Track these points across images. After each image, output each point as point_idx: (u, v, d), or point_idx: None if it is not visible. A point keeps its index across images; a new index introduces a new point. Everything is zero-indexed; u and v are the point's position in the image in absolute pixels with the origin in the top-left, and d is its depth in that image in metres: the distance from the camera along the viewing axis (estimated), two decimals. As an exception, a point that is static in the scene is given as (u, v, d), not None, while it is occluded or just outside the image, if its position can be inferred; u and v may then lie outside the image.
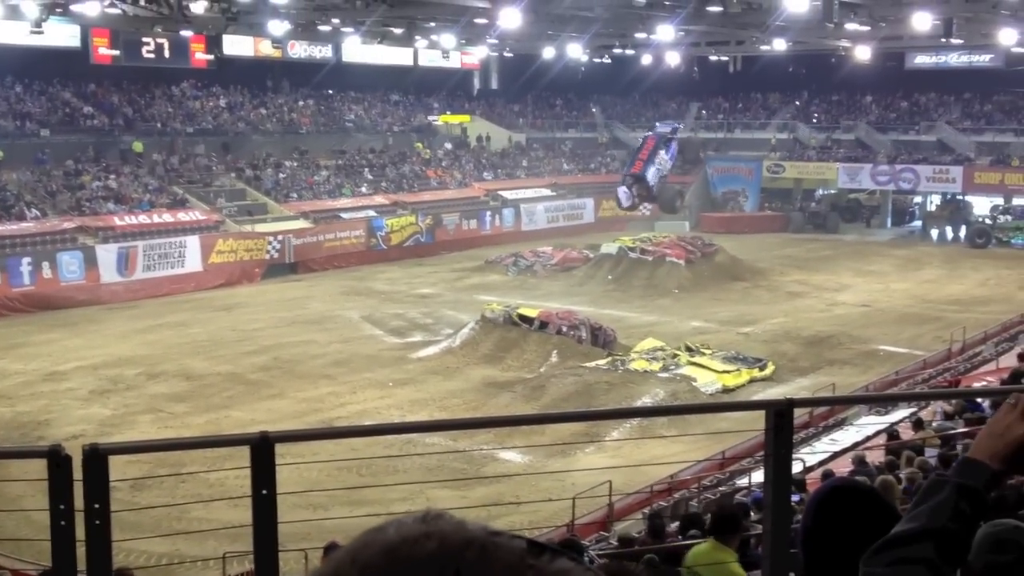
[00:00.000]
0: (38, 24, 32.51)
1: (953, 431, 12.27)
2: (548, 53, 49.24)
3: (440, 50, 47.78)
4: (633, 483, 15.42)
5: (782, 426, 3.76)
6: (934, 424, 13.55)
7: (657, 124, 42.25)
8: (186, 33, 39.28)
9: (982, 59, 49.45)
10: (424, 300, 33.85)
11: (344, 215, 42.40)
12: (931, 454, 11.50)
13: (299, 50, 47.89)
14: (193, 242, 36.33)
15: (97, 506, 2.95)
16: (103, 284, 33.68)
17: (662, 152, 37.15)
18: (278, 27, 37.39)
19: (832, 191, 50.94)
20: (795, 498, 6.85)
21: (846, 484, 2.31)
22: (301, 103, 51.31)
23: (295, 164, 45.51)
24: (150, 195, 38.74)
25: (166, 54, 42.44)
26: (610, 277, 36.60)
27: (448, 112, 56.18)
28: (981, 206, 46.23)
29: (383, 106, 54.74)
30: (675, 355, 24.64)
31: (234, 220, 39.25)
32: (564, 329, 26.66)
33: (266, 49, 45.89)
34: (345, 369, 24.98)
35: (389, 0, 31.21)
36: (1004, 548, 1.84)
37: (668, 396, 21.97)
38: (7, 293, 31.63)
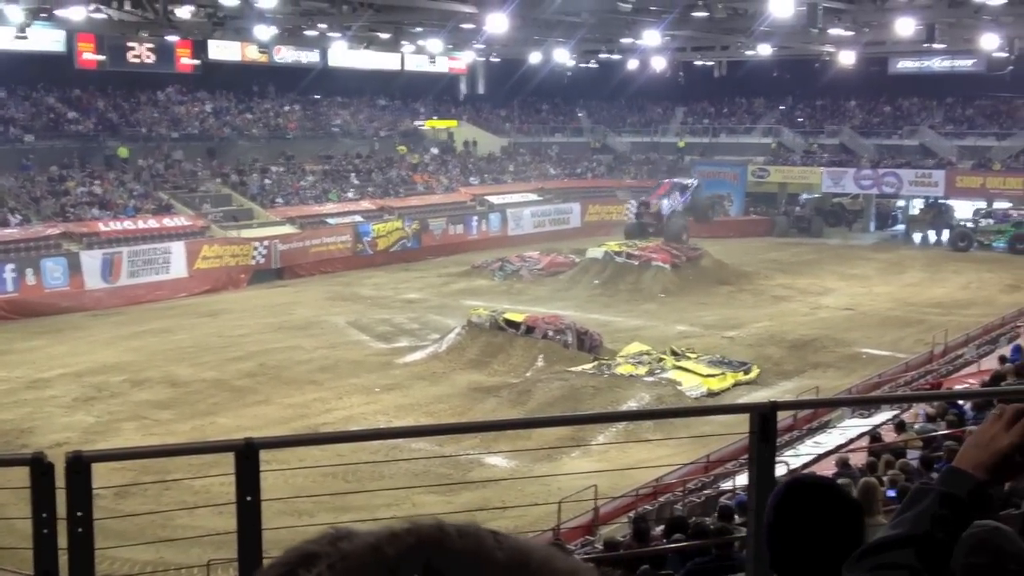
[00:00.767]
0: (22, 29, 32.45)
1: (935, 433, 12.37)
2: (535, 58, 49.36)
3: (427, 55, 47.77)
4: (619, 487, 15.48)
5: (766, 429, 3.81)
6: (916, 426, 13.66)
7: (677, 178, 47.24)
8: (172, 38, 39.20)
9: (964, 64, 49.77)
10: (410, 305, 33.85)
11: (330, 220, 42.36)
12: (913, 456, 11.60)
13: (285, 55, 47.85)
14: (178, 248, 36.23)
15: (80, 514, 2.97)
16: (87, 290, 33.54)
17: (677, 194, 43.05)
18: (264, 32, 37.36)
19: (816, 195, 51.20)
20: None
21: (805, 479, 2.35)
22: (287, 108, 51.26)
23: (281, 169, 45.45)
24: (135, 201, 38.63)
25: (151, 59, 42.34)
26: (596, 281, 36.68)
27: (435, 117, 56.24)
28: (963, 210, 46.53)
29: (370, 111, 54.74)
30: (661, 359, 24.73)
31: (220, 226, 39.16)
32: (550, 334, 26.71)
33: (252, 54, 45.85)
34: (331, 375, 24.97)
35: (376, 5, 31.27)
36: (981, 550, 1.88)
37: (654, 400, 22.05)
38: (-9, 299, 31.50)
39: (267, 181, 43.92)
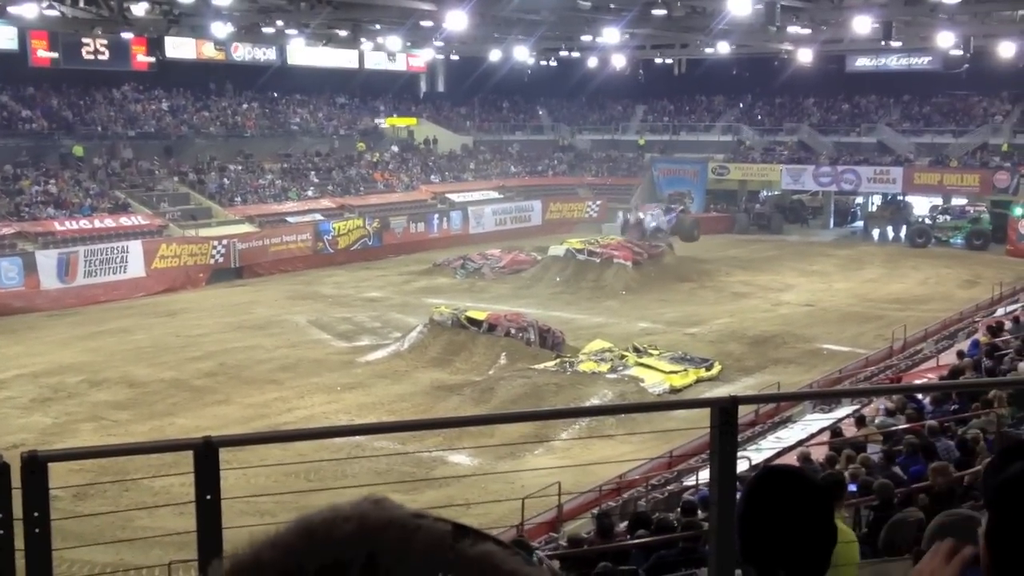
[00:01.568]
0: (-26, 26, 31.87)
1: (895, 427, 12.49)
2: (494, 56, 49.27)
3: (386, 52, 47.61)
4: (582, 484, 15.48)
5: (727, 423, 3.81)
6: (876, 421, 13.79)
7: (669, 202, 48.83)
8: (127, 35, 38.69)
9: (921, 62, 50.45)
10: (372, 304, 33.68)
11: (290, 219, 42.06)
12: (874, 450, 11.71)
13: (243, 52, 47.44)
14: (136, 247, 35.78)
15: (37, 514, 2.90)
16: (43, 290, 33.03)
17: (660, 213, 45.29)
18: (221, 29, 36.94)
19: (776, 192, 51.62)
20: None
21: (776, 468, 2.36)
22: (245, 106, 50.80)
23: (240, 168, 45.04)
24: (91, 200, 38.10)
25: (106, 56, 41.80)
26: (558, 279, 36.73)
27: (395, 115, 56.03)
28: (921, 206, 47.12)
29: (329, 109, 54.41)
30: (623, 356, 24.79)
31: (178, 225, 38.74)
32: (512, 331, 26.68)
33: (209, 51, 45.41)
34: (292, 374, 24.77)
35: (334, 2, 31.04)
36: (946, 535, 1.88)
37: (616, 397, 22.09)
38: (-57, 300, 30.92)
39: (225, 180, 43.50)
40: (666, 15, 32.94)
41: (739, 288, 36.03)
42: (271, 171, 45.59)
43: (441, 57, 54.96)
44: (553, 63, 54.11)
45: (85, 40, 40.22)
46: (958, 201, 46.26)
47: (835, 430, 14.49)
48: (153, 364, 25.52)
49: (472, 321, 27.32)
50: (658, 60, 54.93)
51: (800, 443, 14.58)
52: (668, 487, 14.67)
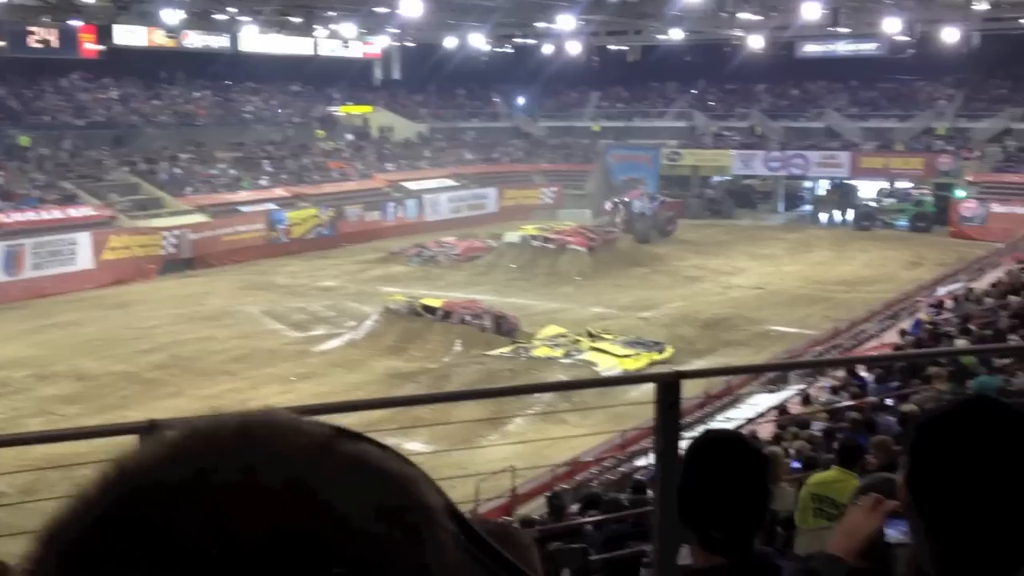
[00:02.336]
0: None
1: (839, 405, 12.79)
2: (450, 43, 49.29)
3: (340, 40, 47.33)
4: (536, 468, 15.66)
5: (671, 398, 3.93)
6: (821, 399, 14.10)
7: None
8: (75, 22, 38.11)
9: (868, 47, 51.05)
10: (326, 293, 33.60)
11: (243, 208, 41.75)
12: (818, 428, 11.99)
13: (194, 40, 46.85)
14: (84, 239, 35.34)
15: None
16: (-10, 283, 32.57)
17: (648, 199, 45.05)
18: (171, 16, 36.61)
19: (727, 177, 52.09)
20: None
21: (717, 433, 2.44)
22: (197, 94, 50.30)
23: (191, 157, 44.61)
24: (38, 191, 37.56)
25: (54, 44, 41.10)
26: (513, 266, 36.86)
27: (349, 103, 55.73)
28: (867, 190, 47.81)
29: (282, 97, 54.02)
30: (577, 341, 25.01)
31: (128, 215, 38.32)
32: (467, 318, 26.80)
33: (159, 39, 44.78)
34: (245, 365, 24.69)
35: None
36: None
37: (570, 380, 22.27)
38: None
39: (176, 169, 43.07)
40: (620, 1, 33.19)
41: (691, 272, 36.43)
42: (223, 160, 45.20)
43: (396, 44, 54.77)
44: (509, 50, 54.14)
45: (32, 28, 39.52)
46: (903, 184, 47.00)
47: (782, 408, 14.79)
48: (103, 357, 25.29)
49: (427, 309, 27.39)
50: (612, 46, 55.20)
51: (748, 421, 14.87)
52: (620, 468, 14.88)
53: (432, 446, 19.10)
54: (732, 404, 18.20)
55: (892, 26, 40.26)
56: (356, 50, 53.14)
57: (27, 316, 30.24)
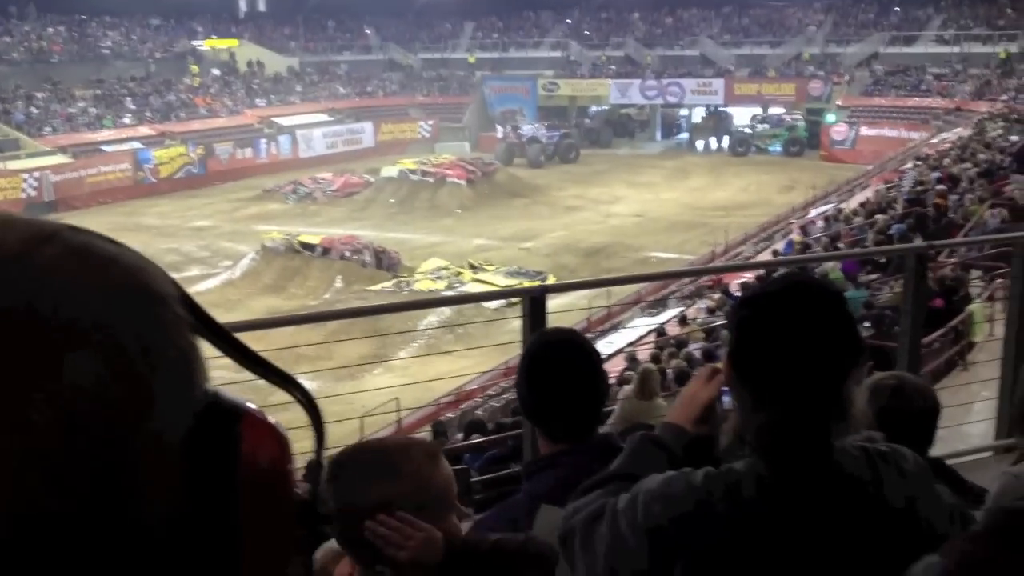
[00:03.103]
0: None
1: (714, 324, 13.01)
2: (316, -28, 47.69)
3: (200, -30, 45.36)
4: (422, 400, 15.57)
5: (536, 312, 3.89)
6: (698, 320, 14.33)
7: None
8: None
9: (738, -26, 51.74)
10: (200, 233, 32.59)
11: (106, 148, 40.02)
12: (695, 347, 12.18)
13: (43, -29, 44.32)
14: (-64, 184, 33.39)
15: None
16: None
17: (542, 127, 46.42)
18: (16, -55, 34.41)
19: (605, 107, 52.27)
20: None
21: (549, 333, 2.43)
22: (51, 30, 47.69)
23: (48, 95, 42.41)
24: None
25: None
26: (392, 200, 36.40)
27: (213, 36, 53.60)
28: (741, 117, 48.66)
29: (142, 31, 51.66)
30: (459, 273, 24.90)
31: (-18, 158, 36.31)
32: (347, 254, 26.38)
33: (5, -29, 42.26)
34: (117, 309, 23.78)
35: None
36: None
37: (454, 314, 22.16)
38: None
39: (33, 108, 40.93)
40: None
41: (571, 202, 36.58)
42: (83, 98, 43.13)
43: (260, -26, 52.90)
44: (378, -20, 52.85)
45: None
46: (776, 110, 48.01)
47: (660, 331, 15.00)
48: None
49: (306, 246, 26.86)
50: (484, -25, 54.48)
51: (629, 345, 15.05)
52: (505, 396, 14.90)
53: (316, 382, 18.82)
54: (613, 329, 18.41)
55: (761, -48, 40.74)
56: (219, -20, 51.13)
57: None
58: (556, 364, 2.16)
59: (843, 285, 13.10)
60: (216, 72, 50.58)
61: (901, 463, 1.59)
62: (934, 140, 33.89)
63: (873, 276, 13.43)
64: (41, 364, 0.51)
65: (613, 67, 53.01)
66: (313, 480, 0.65)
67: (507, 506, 2.29)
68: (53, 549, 0.52)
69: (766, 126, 46.91)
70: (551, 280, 24.97)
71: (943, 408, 2.90)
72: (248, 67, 52.15)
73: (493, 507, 2.59)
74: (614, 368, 12.29)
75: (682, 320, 14.52)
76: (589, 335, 17.97)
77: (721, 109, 49.76)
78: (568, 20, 57.68)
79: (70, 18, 48.60)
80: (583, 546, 1.64)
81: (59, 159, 37.97)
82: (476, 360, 18.09)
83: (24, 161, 36.99)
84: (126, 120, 42.84)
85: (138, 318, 0.55)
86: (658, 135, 52.18)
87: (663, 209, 34.77)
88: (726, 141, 47.91)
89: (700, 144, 49.23)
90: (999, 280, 9.96)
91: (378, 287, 24.43)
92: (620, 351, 14.66)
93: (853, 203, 23.46)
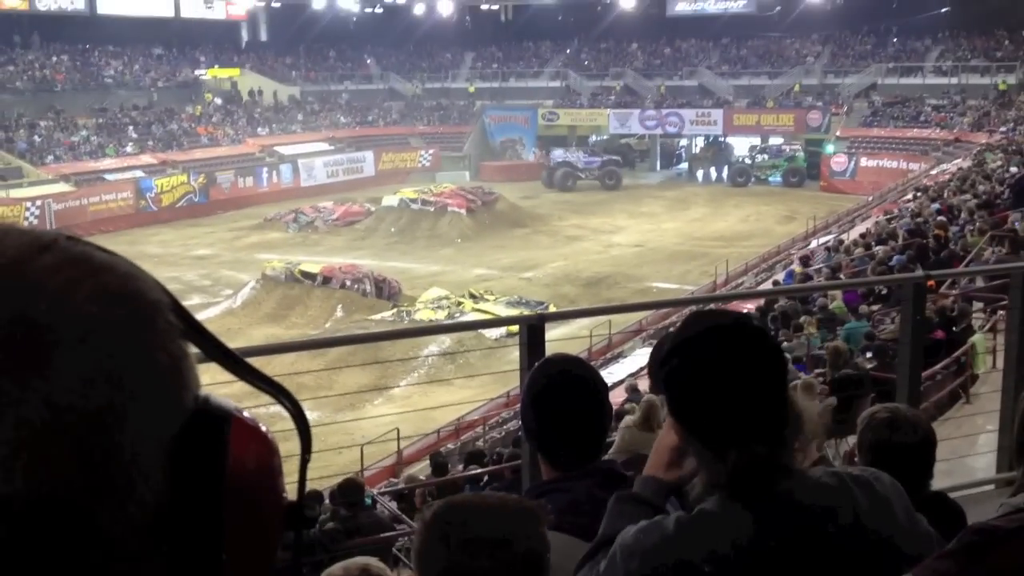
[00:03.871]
0: None
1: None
2: (318, 3, 48.18)
3: (202, 0, 45.68)
4: (422, 430, 15.55)
5: (535, 339, 3.91)
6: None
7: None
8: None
9: (736, 5, 52.13)
10: (201, 262, 32.64)
11: (109, 176, 40.14)
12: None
13: (48, 2, 44.73)
14: (-62, 212, 33.48)
15: None
16: None
17: (583, 155, 47.46)
18: (21, -24, 34.71)
19: (604, 137, 52.48)
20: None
21: (554, 358, 2.44)
22: (54, 59, 47.96)
23: (51, 124, 42.60)
24: None
25: None
26: (393, 229, 36.47)
27: (216, 66, 53.94)
28: (741, 147, 48.86)
29: (145, 60, 51.93)
30: (460, 303, 24.90)
31: (-16, 186, 36.42)
32: (348, 283, 26.40)
33: (11, 1, 42.58)
34: (117, 338, 23.77)
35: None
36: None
37: (454, 343, 22.16)
38: None
39: (36, 137, 41.10)
40: (490, -40, 32.88)
41: (572, 232, 36.65)
42: (86, 127, 43.31)
43: (262, 4, 53.31)
44: (379, 10, 53.27)
45: None
46: (775, 141, 48.20)
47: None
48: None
49: (306, 274, 26.88)
50: (484, 6, 54.97)
51: (630, 376, 15.03)
52: (506, 426, 14.87)
53: (316, 412, 18.79)
54: (614, 360, 18.40)
55: (760, -16, 41.01)
56: (219, 11, 51.54)
57: None
58: (561, 390, 2.18)
59: (844, 316, 13.13)
60: (218, 101, 50.84)
61: (875, 485, 1.60)
62: (934, 171, 34.02)
63: (875, 307, 13.45)
64: (34, 366, 0.53)
65: (612, 97, 53.28)
66: (301, 489, 0.68)
67: None
68: (38, 544, 0.54)
69: (765, 156, 47.08)
70: (552, 310, 25.01)
71: (948, 441, 2.91)
72: (249, 96, 52.42)
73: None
74: (615, 399, 12.28)
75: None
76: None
77: (720, 139, 49.97)
78: (567, 50, 58.04)
79: (73, 47, 48.90)
80: None
81: (61, 187, 38.09)
82: (476, 390, 18.08)
83: (26, 189, 37.10)
84: (128, 149, 43.01)
85: (131, 324, 0.57)
86: (657, 165, 52.35)
87: (663, 239, 34.84)
88: (726, 171, 48.05)
89: (700, 174, 49.38)
90: (1000, 312, 9.97)
91: (378, 316, 24.43)
92: (621, 382, 14.65)
93: (854, 234, 23.53)
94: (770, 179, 46.04)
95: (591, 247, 33.90)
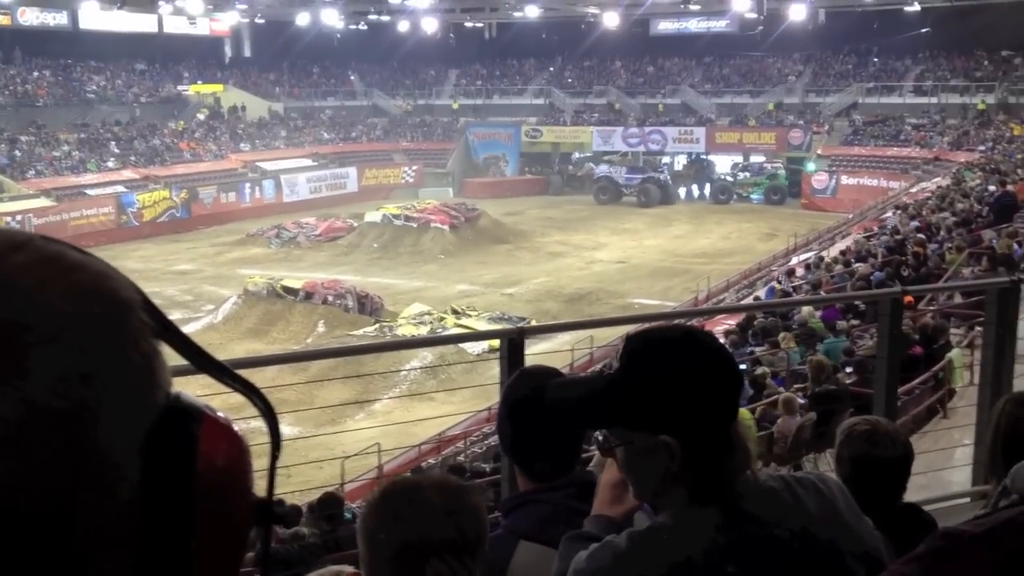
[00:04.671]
0: None
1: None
2: (302, 19, 48.20)
3: (186, 16, 45.69)
4: (404, 444, 15.51)
5: (515, 353, 3.91)
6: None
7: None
8: None
9: (719, 25, 52.49)
10: (183, 277, 32.53)
11: (90, 191, 39.99)
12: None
13: (31, 17, 44.61)
14: (-83, 226, 33.21)
15: None
16: None
17: (625, 171, 47.44)
18: (4, -9, 34.64)
19: (588, 154, 52.67)
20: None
21: (528, 369, 2.45)
22: (36, 74, 47.84)
23: (32, 139, 42.43)
24: None
25: None
26: (376, 245, 36.45)
27: (199, 81, 53.90)
28: (723, 164, 49.13)
29: (127, 76, 51.86)
30: (442, 319, 24.88)
31: (-36, 201, 36.23)
32: (330, 299, 26.36)
33: (-7, 16, 42.48)
34: (97, 353, 23.63)
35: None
36: None
37: (436, 359, 22.15)
38: None
39: (17, 151, 40.93)
40: (474, -23, 33.04)
41: (555, 248, 36.72)
42: (67, 142, 43.17)
43: (246, 20, 53.31)
44: (363, 27, 53.36)
45: None
46: (756, 159, 48.49)
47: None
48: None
49: (288, 290, 26.82)
50: (469, 24, 55.09)
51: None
52: (487, 441, 14.85)
53: (297, 427, 18.73)
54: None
55: (742, 3, 41.35)
56: (203, 27, 51.54)
57: None
58: (537, 401, 2.13)
59: (823, 333, 13.21)
60: (201, 117, 50.77)
61: (820, 487, 1.60)
62: (913, 189, 34.28)
63: (854, 323, 13.53)
64: (10, 363, 0.54)
65: (595, 114, 53.52)
66: (270, 486, 0.69)
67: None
68: (15, 540, 0.55)
69: (747, 174, 47.37)
70: (533, 325, 25.03)
71: (925, 454, 2.94)
72: (232, 111, 52.39)
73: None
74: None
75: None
76: (572, 381, 17.98)
77: (703, 157, 50.23)
78: (551, 68, 58.30)
79: (56, 62, 48.78)
80: None
81: (42, 202, 37.93)
82: (458, 406, 18.05)
83: (7, 204, 36.91)
84: (110, 164, 42.89)
85: (105, 322, 0.58)
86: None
87: (646, 256, 34.94)
88: (708, 189, 48.29)
89: (682, 191, 49.57)
90: (978, 328, 10.05)
91: (360, 332, 24.37)
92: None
93: (834, 251, 23.66)
94: (752, 197, 46.30)
95: (573, 263, 33.97)
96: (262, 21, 52.44)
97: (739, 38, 52.37)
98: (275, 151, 49.58)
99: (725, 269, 29.85)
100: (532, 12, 44.91)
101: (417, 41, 53.79)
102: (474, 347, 22.93)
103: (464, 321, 24.58)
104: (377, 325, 24.95)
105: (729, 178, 47.62)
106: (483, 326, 24.11)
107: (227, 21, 52.02)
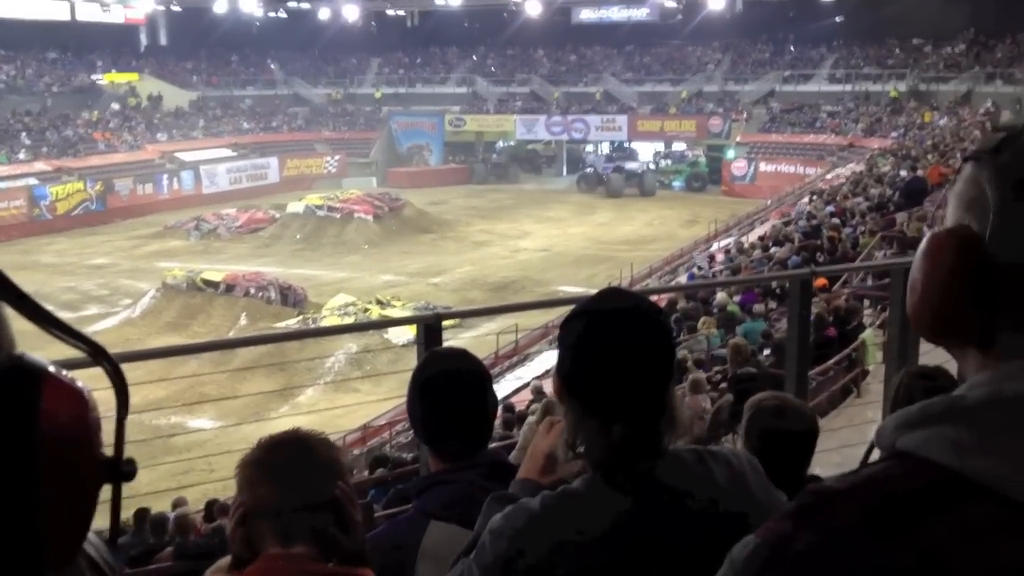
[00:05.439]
0: None
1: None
2: (220, 7, 47.35)
3: (99, 3, 44.55)
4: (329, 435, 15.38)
5: (432, 339, 3.93)
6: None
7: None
8: None
9: (639, 14, 52.96)
10: (98, 271, 31.79)
11: (0, 184, 38.81)
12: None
13: (-66, 4, 43.04)
14: None
15: None
16: None
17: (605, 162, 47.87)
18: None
19: (511, 143, 52.75)
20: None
21: (436, 351, 2.46)
22: (-60, 62, 46.25)
23: (-63, 130, 41.08)
24: None
25: None
26: (298, 236, 36.06)
27: (113, 70, 52.57)
28: (645, 152, 49.57)
29: (39, 65, 50.40)
30: (367, 309, 24.75)
31: None
32: (252, 291, 26.03)
33: None
34: (10, 349, 22.98)
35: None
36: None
37: (361, 349, 22.05)
38: None
39: (-79, 144, 39.56)
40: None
41: (479, 237, 36.73)
42: (-26, 133, 41.84)
43: (161, 8, 52.20)
44: (283, 15, 52.64)
45: None
46: (678, 146, 49.04)
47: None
48: None
49: (208, 283, 26.43)
50: (391, 12, 54.72)
51: (536, 378, 15.13)
52: (412, 431, 14.83)
53: (219, 422, 18.48)
54: (521, 363, 18.50)
55: (661, -7, 41.66)
56: (117, 15, 50.36)
57: None
58: (446, 381, 2.20)
59: (741, 317, 13.44)
60: (115, 106, 49.56)
61: (732, 461, 1.63)
62: (829, 175, 35.01)
63: (772, 306, 13.80)
64: None
65: (519, 103, 53.56)
66: (119, 444, 0.71)
67: (397, 523, 2.30)
68: None
69: (669, 162, 47.88)
70: (457, 313, 25.02)
71: (840, 431, 3.01)
72: (148, 101, 51.23)
73: (383, 524, 2.61)
74: (520, 403, 12.36)
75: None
76: (496, 370, 18.04)
77: (625, 145, 50.61)
78: (474, 56, 58.16)
79: (-39, 51, 47.26)
80: None
81: (-51, 196, 36.74)
82: (383, 395, 17.97)
83: (-89, 198, 35.70)
84: (21, 156, 41.67)
85: None
86: (564, 170, 52.77)
87: (570, 244, 35.14)
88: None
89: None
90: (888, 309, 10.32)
91: (284, 324, 24.10)
92: (526, 385, 14.73)
93: (753, 236, 24.08)
94: (673, 184, 46.81)
95: (498, 252, 34.02)
96: (178, 8, 51.42)
97: (660, 26, 52.90)
98: (193, 141, 48.62)
99: (648, 256, 30.16)
100: (454, 0, 44.76)
101: (338, 29, 53.28)
102: (400, 337, 22.86)
103: (388, 311, 24.47)
104: (301, 317, 24.75)
105: (651, 166, 48.06)
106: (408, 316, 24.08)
107: (142, 8, 50.91)
